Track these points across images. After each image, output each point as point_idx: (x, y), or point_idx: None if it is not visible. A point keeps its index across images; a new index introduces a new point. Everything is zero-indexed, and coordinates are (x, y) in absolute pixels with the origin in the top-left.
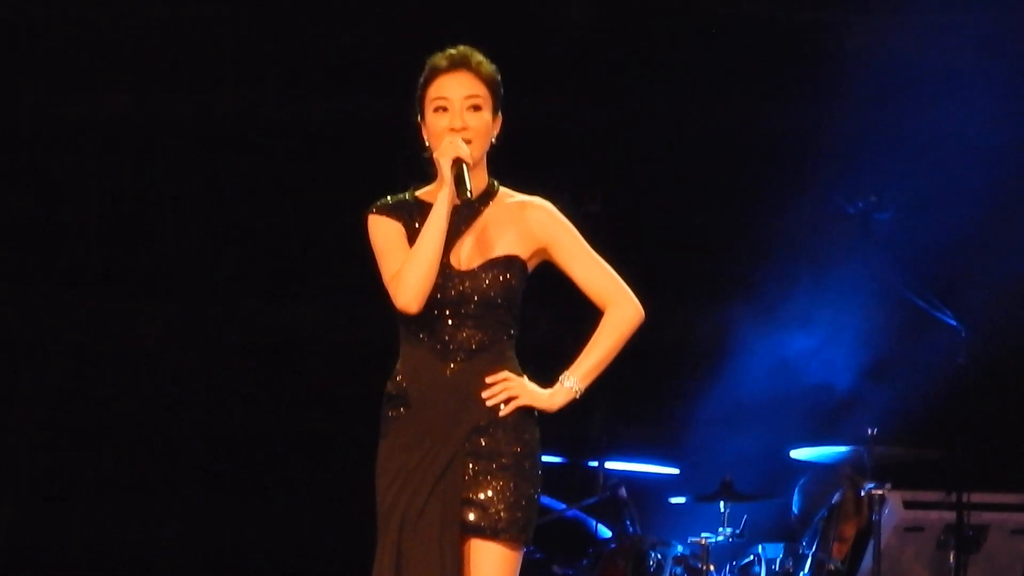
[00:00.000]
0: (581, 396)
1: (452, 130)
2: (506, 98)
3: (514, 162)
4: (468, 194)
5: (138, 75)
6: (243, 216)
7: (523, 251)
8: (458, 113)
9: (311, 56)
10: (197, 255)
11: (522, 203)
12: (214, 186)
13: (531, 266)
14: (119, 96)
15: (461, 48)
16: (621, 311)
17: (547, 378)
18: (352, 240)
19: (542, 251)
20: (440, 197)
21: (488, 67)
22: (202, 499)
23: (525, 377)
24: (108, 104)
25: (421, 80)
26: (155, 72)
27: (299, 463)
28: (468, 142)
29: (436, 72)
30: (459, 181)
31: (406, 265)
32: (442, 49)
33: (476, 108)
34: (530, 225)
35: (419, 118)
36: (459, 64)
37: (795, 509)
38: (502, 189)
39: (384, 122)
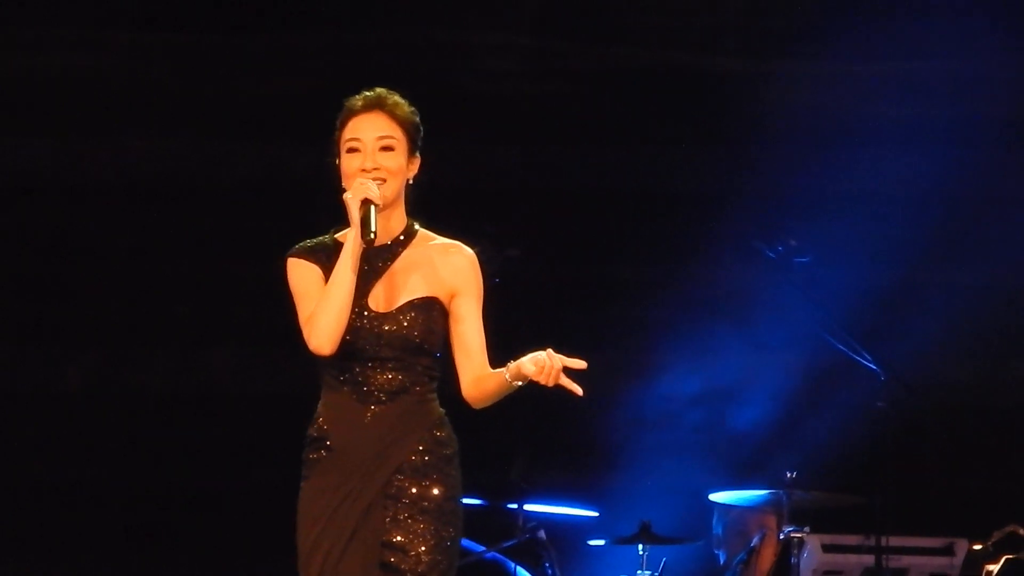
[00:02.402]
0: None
1: (363, 171)
2: (430, 143)
3: (436, 206)
4: (372, 235)
5: (58, 124)
6: (163, 265)
7: (440, 293)
8: (370, 154)
9: (230, 106)
10: (117, 304)
11: (443, 246)
12: (133, 235)
13: (450, 309)
14: (39, 144)
15: (378, 90)
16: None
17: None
18: (272, 289)
19: (452, 295)
20: (348, 238)
21: (404, 108)
22: (119, 552)
23: (447, 422)
24: (29, 153)
25: (337, 122)
26: (75, 121)
27: (221, 513)
28: (381, 181)
29: (351, 113)
30: (365, 222)
31: (317, 308)
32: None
33: (388, 148)
34: (446, 269)
35: (336, 160)
36: (373, 105)
37: (714, 552)
38: (421, 231)
39: (305, 171)
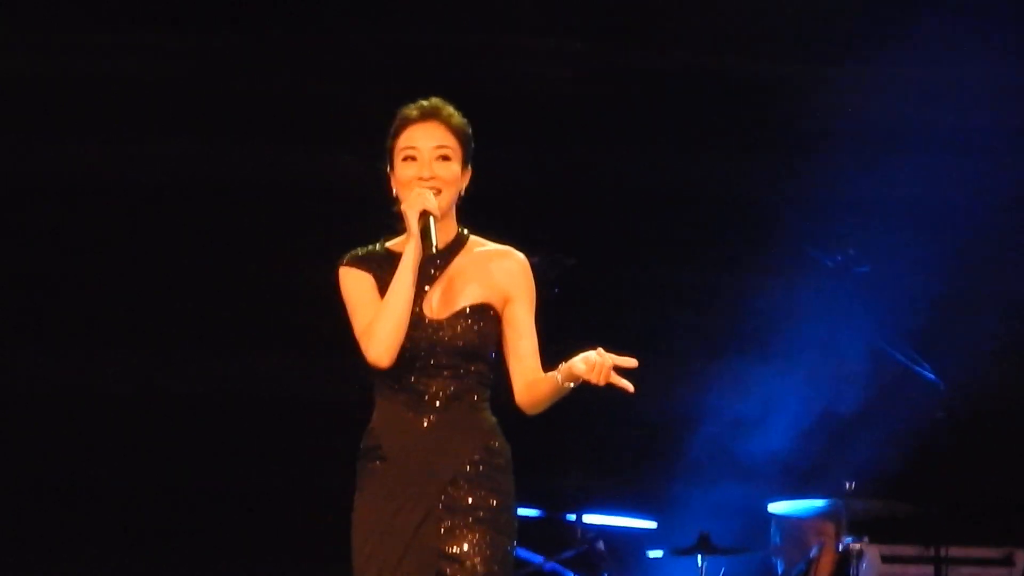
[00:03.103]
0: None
1: (420, 179)
2: (485, 152)
3: (491, 216)
4: (434, 248)
5: (97, 131)
6: (206, 270)
7: (494, 299)
8: (427, 163)
9: (281, 110)
10: (161, 309)
11: (494, 252)
12: (180, 237)
13: (503, 315)
14: (86, 149)
15: (432, 100)
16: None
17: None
18: (326, 294)
19: (506, 300)
20: (407, 250)
21: (458, 119)
22: (164, 556)
23: (500, 431)
24: (70, 154)
25: (391, 130)
26: (114, 128)
27: (274, 519)
28: (437, 192)
29: (406, 122)
30: (425, 234)
31: (376, 320)
32: (409, 101)
33: (445, 158)
34: (499, 274)
35: (388, 168)
36: (429, 115)
37: (772, 562)
38: (472, 238)
39: (356, 177)
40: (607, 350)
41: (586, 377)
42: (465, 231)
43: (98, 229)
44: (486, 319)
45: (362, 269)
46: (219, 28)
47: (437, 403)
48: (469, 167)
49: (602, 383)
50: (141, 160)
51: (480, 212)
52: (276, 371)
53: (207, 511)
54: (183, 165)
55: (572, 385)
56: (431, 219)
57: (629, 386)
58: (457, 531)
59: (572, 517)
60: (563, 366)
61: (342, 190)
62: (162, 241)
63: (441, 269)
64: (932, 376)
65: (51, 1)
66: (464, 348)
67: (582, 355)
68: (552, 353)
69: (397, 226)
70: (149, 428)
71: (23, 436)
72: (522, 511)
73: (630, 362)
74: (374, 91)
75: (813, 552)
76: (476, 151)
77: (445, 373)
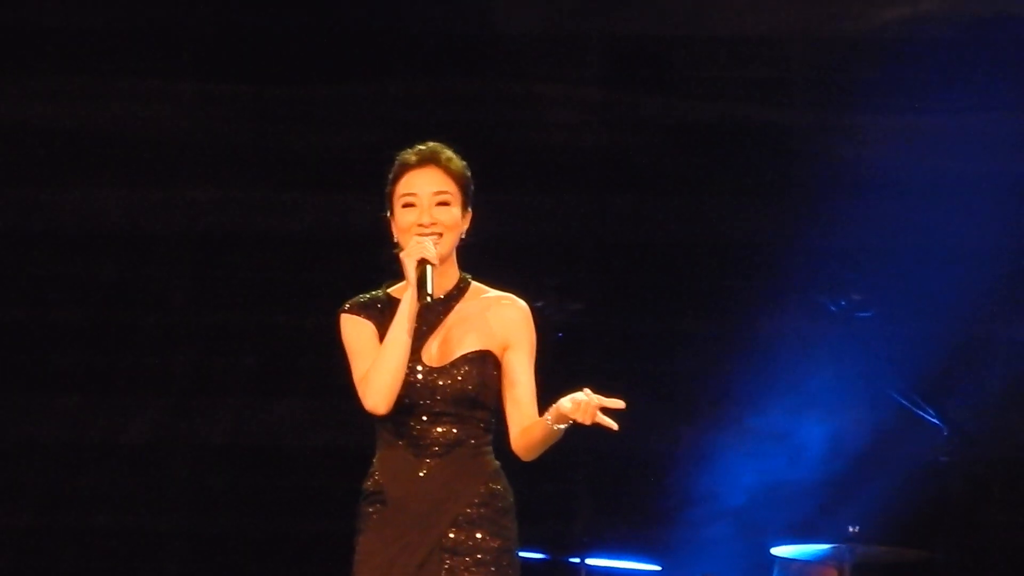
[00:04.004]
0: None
1: (420, 226)
2: (496, 195)
3: (500, 258)
4: (428, 298)
5: (122, 173)
6: (227, 318)
7: (493, 346)
8: (426, 209)
9: (295, 159)
10: (182, 357)
11: (495, 299)
12: (197, 286)
13: (502, 362)
14: (104, 194)
15: (431, 144)
16: None
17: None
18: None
19: (505, 347)
20: (404, 298)
21: (458, 163)
22: None
23: (502, 474)
24: (94, 203)
25: (390, 176)
26: (139, 171)
27: (280, 564)
28: (437, 238)
29: (405, 167)
30: (421, 284)
31: (373, 369)
32: None
33: (444, 204)
34: (499, 321)
35: (388, 213)
36: (428, 160)
37: None
38: (474, 284)
39: (368, 222)
40: (607, 395)
41: (572, 416)
42: (467, 277)
43: (149, 278)
44: (485, 366)
45: (363, 316)
46: (229, 77)
47: (437, 448)
48: (469, 210)
49: (588, 422)
50: (152, 208)
51: (487, 256)
52: (285, 417)
53: (214, 557)
54: (191, 213)
55: (563, 427)
56: (428, 268)
57: (613, 424)
58: (458, 574)
59: (576, 560)
60: (553, 408)
61: (356, 238)
62: (207, 290)
63: (441, 316)
64: (936, 420)
65: (66, 49)
66: (463, 395)
67: (569, 396)
68: (556, 398)
69: (399, 271)
70: (160, 475)
71: (31, 482)
72: (526, 554)
73: (616, 403)
74: (387, 138)
75: None
76: (488, 196)
77: (445, 419)
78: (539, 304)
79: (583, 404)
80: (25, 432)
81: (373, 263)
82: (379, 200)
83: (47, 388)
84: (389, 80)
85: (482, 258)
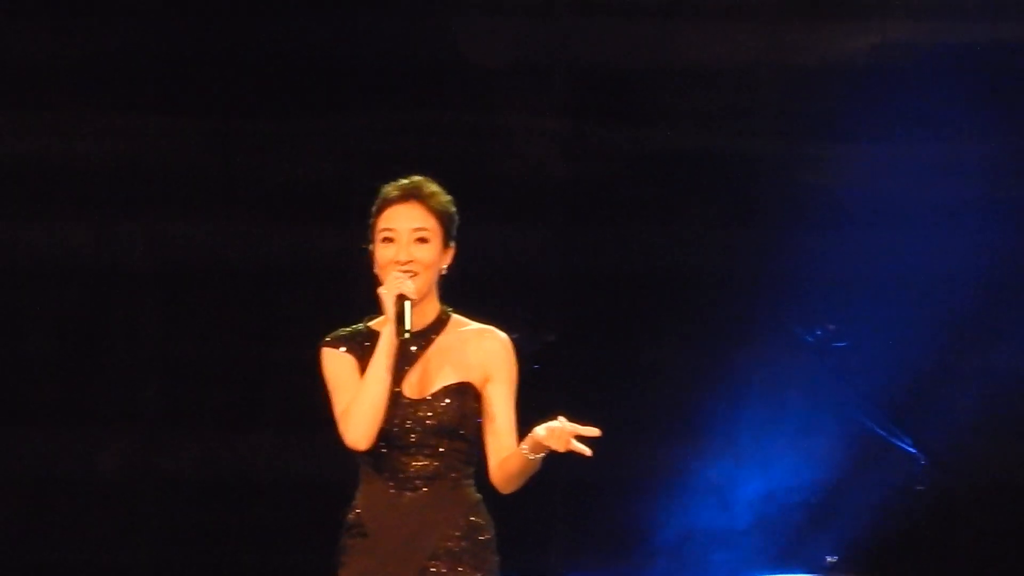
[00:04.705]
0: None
1: (396, 262)
2: (464, 228)
3: (471, 291)
4: (407, 334)
5: (90, 207)
6: (197, 351)
7: (473, 378)
8: (404, 245)
9: (263, 192)
10: (151, 390)
11: (475, 331)
12: (168, 319)
13: (482, 393)
14: (71, 227)
15: (414, 179)
16: None
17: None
18: (307, 373)
19: (485, 379)
20: (384, 333)
21: (440, 198)
22: None
23: (483, 507)
24: (62, 236)
25: (373, 209)
26: (107, 204)
27: None
28: (413, 274)
29: (386, 203)
30: (399, 319)
31: (352, 404)
32: (397, 179)
33: (423, 240)
34: (479, 354)
35: (371, 246)
36: (409, 195)
37: None
38: (454, 317)
39: (338, 255)
40: (582, 423)
41: (547, 443)
42: (448, 310)
43: (117, 311)
44: (465, 398)
45: (344, 349)
46: (195, 111)
47: (418, 481)
48: (451, 246)
49: (562, 449)
50: (120, 242)
51: (461, 287)
52: (255, 449)
53: None
54: (158, 246)
55: (539, 456)
56: (407, 304)
57: (587, 451)
58: None
59: None
60: (528, 438)
61: (326, 270)
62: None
63: (422, 349)
64: (912, 449)
65: (30, 83)
66: (443, 427)
67: (544, 424)
68: (531, 429)
69: (377, 304)
70: (129, 508)
71: (11, 518)
72: None
73: (591, 431)
74: (354, 170)
75: None
76: (460, 227)
77: (426, 451)
78: (514, 336)
79: (557, 431)
80: None
81: (341, 296)
82: (347, 232)
83: (15, 421)
84: (355, 112)
85: (451, 290)
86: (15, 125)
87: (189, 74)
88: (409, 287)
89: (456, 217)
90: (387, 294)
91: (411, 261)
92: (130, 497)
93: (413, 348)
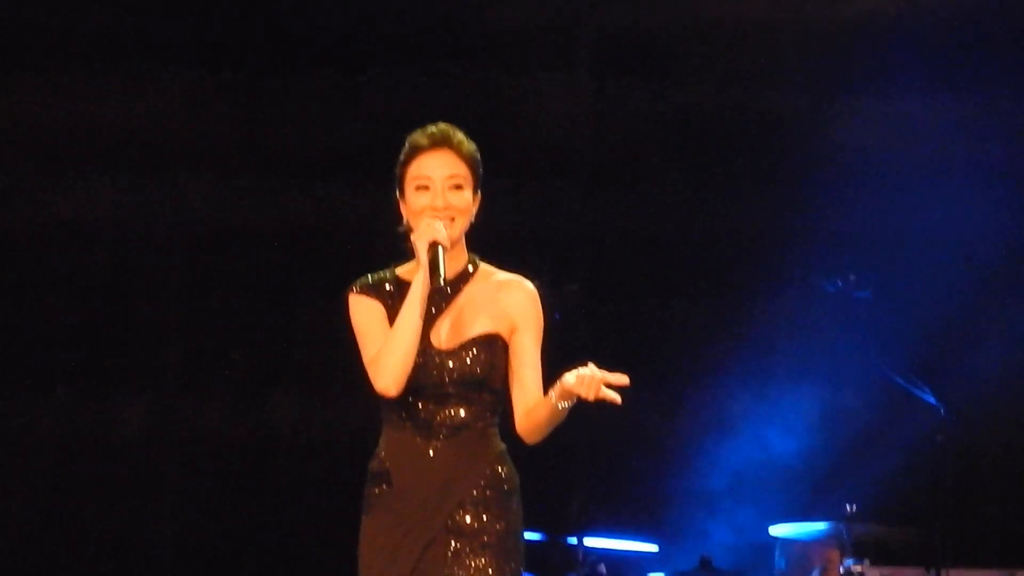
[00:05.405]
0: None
1: (433, 209)
2: (490, 183)
3: (496, 243)
4: (442, 281)
5: (113, 166)
6: (220, 310)
7: (502, 329)
8: (440, 192)
9: (287, 150)
10: (175, 349)
11: (503, 281)
12: (191, 278)
13: (510, 344)
14: (94, 187)
15: (441, 126)
16: None
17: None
18: (331, 331)
19: (513, 330)
20: (416, 281)
21: (469, 146)
22: None
23: (508, 457)
24: (85, 195)
25: (401, 158)
26: (130, 163)
27: (276, 555)
28: (450, 220)
29: (417, 150)
30: (434, 267)
31: (383, 351)
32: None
33: (458, 187)
34: (507, 304)
35: (398, 195)
36: (440, 143)
37: None
38: (482, 266)
39: (363, 212)
40: (612, 371)
41: (576, 391)
42: (476, 259)
43: (141, 271)
44: (494, 349)
45: (372, 297)
46: (219, 68)
47: (444, 431)
48: (479, 194)
49: (592, 398)
50: (142, 200)
51: (486, 241)
52: (278, 408)
53: (208, 549)
54: (181, 205)
55: (567, 405)
56: (440, 250)
57: (617, 398)
58: (463, 555)
59: (574, 540)
60: (556, 385)
61: (349, 229)
62: (175, 284)
63: (450, 298)
64: (933, 400)
65: (55, 42)
66: (471, 377)
67: (573, 371)
68: (554, 379)
69: (406, 250)
70: (152, 468)
71: (23, 477)
72: (524, 535)
73: (621, 379)
74: (378, 129)
75: (815, 575)
76: (486, 182)
77: (452, 402)
78: (536, 284)
79: (587, 378)
80: (16, 427)
81: (365, 254)
82: (371, 192)
83: (38, 383)
84: (380, 71)
85: (478, 243)
86: (38, 86)
87: (213, 32)
88: (442, 234)
89: (481, 165)
90: (420, 241)
91: (447, 208)
92: (154, 457)
93: (442, 298)
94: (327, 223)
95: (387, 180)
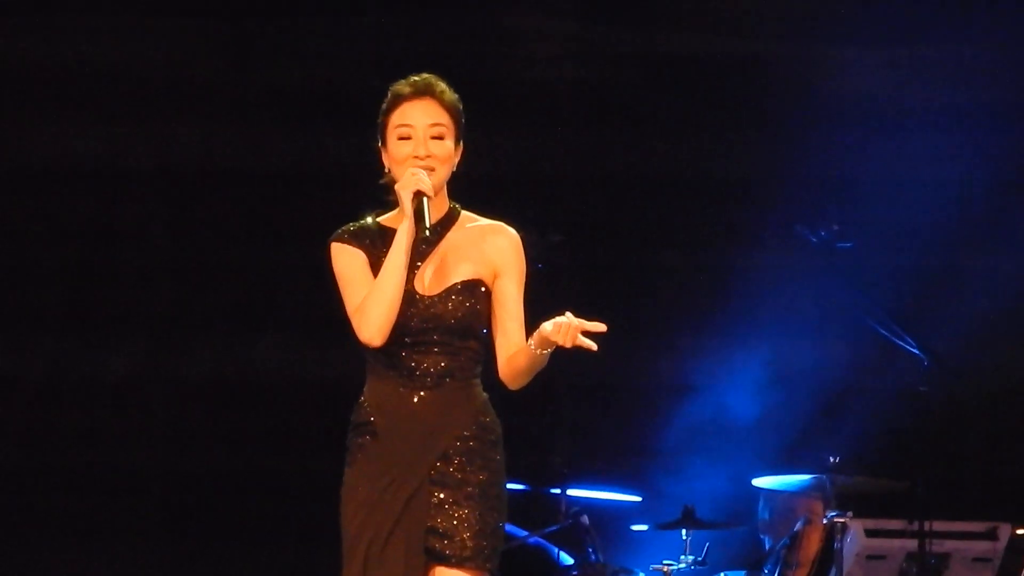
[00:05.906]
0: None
1: (416, 158)
2: (475, 131)
3: (480, 192)
4: (427, 231)
5: (99, 111)
6: (207, 254)
7: (485, 275)
8: (422, 141)
9: (272, 95)
10: (162, 293)
11: (486, 227)
12: (178, 222)
13: (492, 290)
14: (80, 131)
15: (424, 75)
16: None
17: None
18: (316, 275)
19: (495, 276)
20: (400, 230)
21: (451, 95)
22: (165, 538)
23: (491, 407)
24: (71, 140)
25: (383, 106)
26: (115, 108)
27: (262, 499)
28: (431, 170)
29: (399, 99)
30: (419, 216)
31: (368, 300)
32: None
33: (439, 137)
34: (490, 250)
35: (380, 144)
36: (423, 92)
37: (760, 537)
38: (464, 213)
39: (348, 157)
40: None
41: (554, 339)
42: (457, 207)
43: (128, 215)
44: (477, 295)
45: (354, 246)
46: (206, 11)
47: (428, 379)
48: (461, 143)
49: (569, 345)
50: (129, 144)
51: (469, 188)
52: (265, 352)
53: (201, 493)
54: (169, 149)
55: (546, 352)
56: (424, 200)
57: (593, 345)
58: (447, 506)
59: (557, 491)
60: (536, 333)
61: (334, 173)
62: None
63: (433, 245)
64: (916, 351)
65: None
66: (455, 324)
67: (552, 320)
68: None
69: (388, 199)
70: (140, 411)
71: (24, 422)
72: (508, 485)
73: (598, 327)
74: (363, 74)
75: (798, 526)
76: (469, 129)
77: (436, 350)
78: (520, 234)
79: (564, 326)
80: (4, 370)
81: (349, 199)
82: (356, 136)
83: (26, 326)
84: (365, 15)
85: (461, 191)
86: (23, 30)
87: None
88: (426, 183)
89: (463, 114)
90: (405, 191)
91: (429, 156)
92: (141, 400)
93: (425, 246)
94: (312, 167)
95: (372, 124)
